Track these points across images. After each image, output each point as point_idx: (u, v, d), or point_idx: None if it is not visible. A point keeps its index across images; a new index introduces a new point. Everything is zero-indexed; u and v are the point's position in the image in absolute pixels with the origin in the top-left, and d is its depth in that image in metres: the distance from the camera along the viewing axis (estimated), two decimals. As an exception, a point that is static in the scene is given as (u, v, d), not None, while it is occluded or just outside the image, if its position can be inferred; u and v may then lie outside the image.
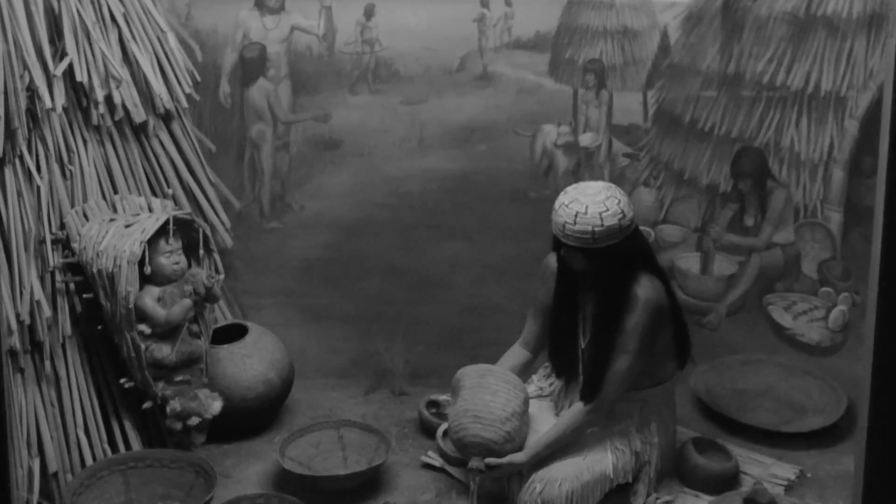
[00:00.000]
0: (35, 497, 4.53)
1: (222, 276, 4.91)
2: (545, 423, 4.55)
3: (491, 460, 4.36)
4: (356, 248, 5.74)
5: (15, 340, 4.53)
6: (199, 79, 5.35)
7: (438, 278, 5.73)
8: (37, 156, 4.77)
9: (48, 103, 4.69)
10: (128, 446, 4.85)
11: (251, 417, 5.16)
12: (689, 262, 5.65)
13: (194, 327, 4.85)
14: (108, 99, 4.93)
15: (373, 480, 4.80)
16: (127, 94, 4.97)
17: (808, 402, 5.30)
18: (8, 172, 4.63)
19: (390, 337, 5.66)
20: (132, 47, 5.02)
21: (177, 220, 4.77)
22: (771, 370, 5.47)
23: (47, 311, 4.62)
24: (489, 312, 5.68)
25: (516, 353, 4.76)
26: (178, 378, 4.78)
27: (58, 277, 4.74)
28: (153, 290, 4.74)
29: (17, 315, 4.55)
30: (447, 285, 5.74)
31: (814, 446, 5.05)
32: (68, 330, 4.75)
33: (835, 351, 5.46)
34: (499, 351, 4.79)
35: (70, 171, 4.87)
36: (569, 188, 4.37)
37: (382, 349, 5.65)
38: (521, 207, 5.64)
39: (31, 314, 4.59)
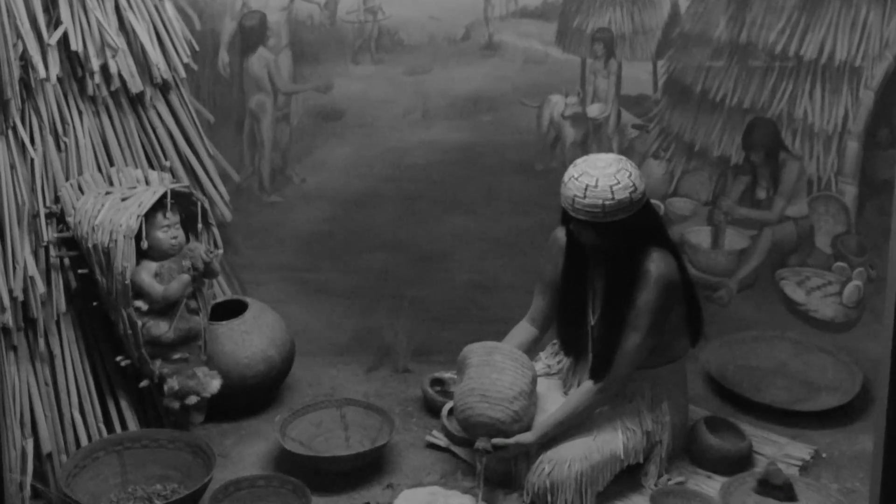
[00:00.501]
0: (29, 479, 4.51)
1: (221, 251, 4.85)
2: (553, 402, 4.51)
3: (498, 441, 4.33)
4: (358, 221, 5.69)
5: (8, 317, 4.49)
6: (197, 48, 5.29)
7: (442, 252, 5.68)
8: (30, 127, 4.72)
9: (42, 73, 4.65)
10: (124, 426, 4.79)
11: (251, 396, 5.12)
12: (699, 235, 5.59)
13: (192, 303, 4.78)
14: (104, 69, 4.87)
15: (376, 461, 4.75)
16: (123, 64, 4.91)
17: (822, 380, 5.25)
18: (0, 144, 4.58)
19: (393, 313, 5.61)
20: (128, 16, 4.96)
21: (175, 193, 4.70)
22: (784, 347, 5.42)
23: (41, 288, 4.58)
24: (495, 288, 5.64)
25: (523, 330, 4.71)
26: (176, 356, 4.71)
27: (52, 252, 4.68)
28: (150, 266, 4.67)
29: (10, 291, 4.51)
30: (451, 259, 5.70)
31: (829, 425, 4.99)
32: (63, 307, 4.69)
33: (849, 327, 5.41)
34: (505, 327, 4.75)
35: (65, 142, 4.82)
36: (578, 161, 4.31)
37: (385, 325, 5.61)
38: (527, 180, 5.58)
39: (25, 290, 4.55)
